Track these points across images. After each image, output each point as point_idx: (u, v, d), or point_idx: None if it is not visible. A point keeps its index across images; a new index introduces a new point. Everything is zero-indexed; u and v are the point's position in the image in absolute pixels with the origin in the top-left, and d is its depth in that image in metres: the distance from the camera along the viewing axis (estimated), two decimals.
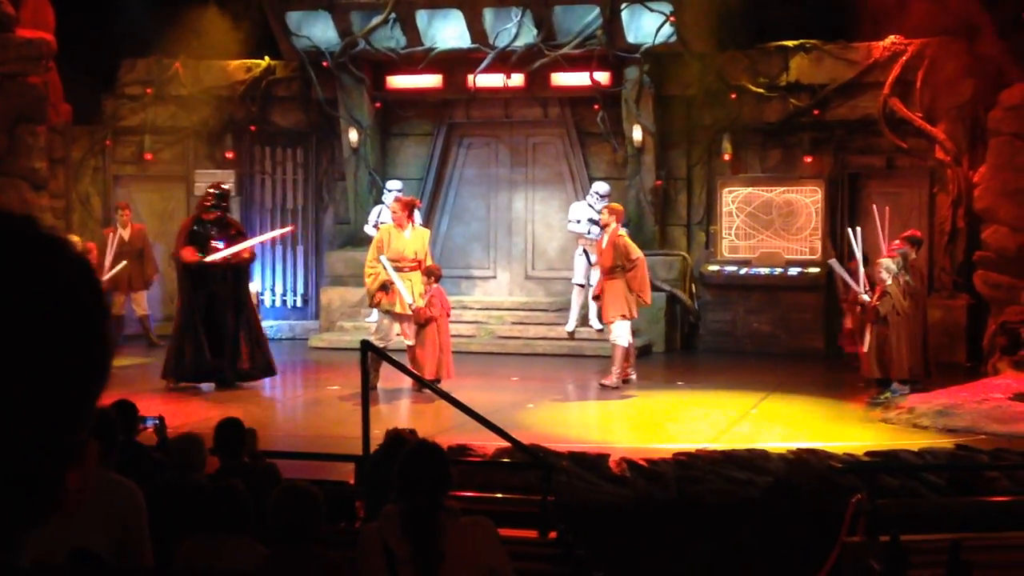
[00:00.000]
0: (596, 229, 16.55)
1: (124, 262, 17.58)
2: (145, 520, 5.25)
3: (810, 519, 8.81)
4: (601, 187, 17.42)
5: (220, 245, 14.38)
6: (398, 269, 14.15)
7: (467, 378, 14.44)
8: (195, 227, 14.56)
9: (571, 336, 17.78)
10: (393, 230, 14.54)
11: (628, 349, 14.68)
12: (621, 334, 14.45)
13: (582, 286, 17.66)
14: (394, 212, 14.84)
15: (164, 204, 20.64)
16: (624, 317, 14.43)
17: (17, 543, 1.31)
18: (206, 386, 14.40)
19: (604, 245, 14.81)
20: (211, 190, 14.84)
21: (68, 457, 1.30)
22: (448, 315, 14.55)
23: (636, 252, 14.57)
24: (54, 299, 1.28)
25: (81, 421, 1.31)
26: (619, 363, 14.49)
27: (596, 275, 15.90)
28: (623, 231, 15.04)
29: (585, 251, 17.47)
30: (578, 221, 17.69)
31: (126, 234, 18.44)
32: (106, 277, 17.57)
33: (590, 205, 17.47)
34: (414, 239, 14.49)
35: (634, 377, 14.86)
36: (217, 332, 14.28)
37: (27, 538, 1.31)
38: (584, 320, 17.65)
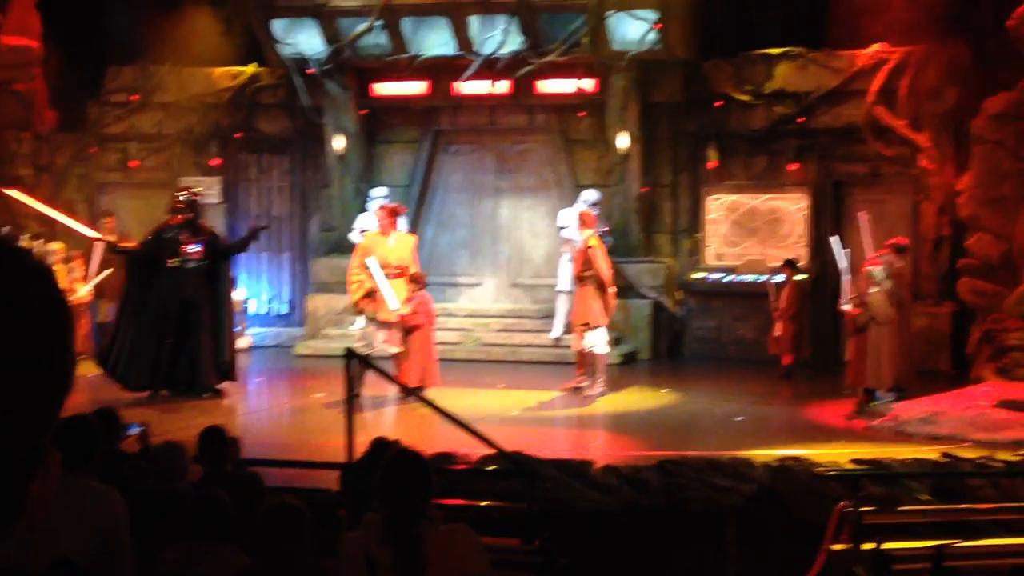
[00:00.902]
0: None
1: (109, 269, 17.50)
2: (127, 528, 5.24)
3: (794, 526, 8.82)
4: (591, 195, 17.23)
5: (191, 250, 14.32)
6: None
7: (452, 385, 14.42)
8: (165, 233, 14.48)
9: (556, 343, 17.75)
10: (377, 237, 14.54)
11: (591, 355, 14.54)
12: (599, 343, 14.42)
13: (568, 293, 17.62)
14: (378, 219, 14.83)
15: (149, 212, 20.47)
16: (588, 326, 14.34)
17: None
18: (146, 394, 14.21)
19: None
20: (180, 194, 14.79)
21: (32, 465, 1.30)
22: (433, 322, 14.54)
23: (600, 268, 14.35)
24: (11, 307, 1.27)
25: (44, 429, 1.30)
26: (601, 371, 14.47)
27: None
28: (595, 241, 14.79)
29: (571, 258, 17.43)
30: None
31: None
32: (91, 285, 17.52)
33: None
34: (398, 246, 14.48)
35: (585, 386, 14.69)
36: (180, 337, 14.20)
37: None
38: (569, 327, 17.60)
